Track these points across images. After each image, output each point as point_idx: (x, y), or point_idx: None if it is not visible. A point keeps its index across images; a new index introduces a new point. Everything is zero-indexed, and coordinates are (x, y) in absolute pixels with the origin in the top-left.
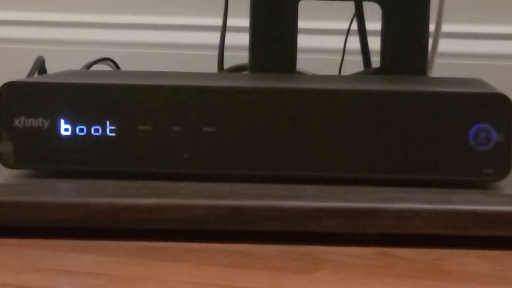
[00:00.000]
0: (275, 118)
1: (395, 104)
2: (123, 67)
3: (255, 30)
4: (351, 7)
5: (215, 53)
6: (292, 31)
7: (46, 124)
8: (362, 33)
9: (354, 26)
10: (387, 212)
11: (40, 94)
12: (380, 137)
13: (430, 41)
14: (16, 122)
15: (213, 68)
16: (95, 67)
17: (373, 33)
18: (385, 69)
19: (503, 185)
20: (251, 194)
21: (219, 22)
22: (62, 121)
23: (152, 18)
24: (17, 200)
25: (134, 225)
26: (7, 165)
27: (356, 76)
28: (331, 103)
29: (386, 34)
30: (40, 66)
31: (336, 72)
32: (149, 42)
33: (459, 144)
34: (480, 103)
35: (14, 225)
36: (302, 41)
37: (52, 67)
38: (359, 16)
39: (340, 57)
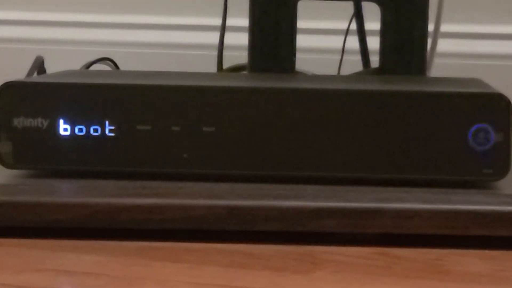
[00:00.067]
0: (274, 118)
1: (394, 104)
2: (123, 67)
3: (254, 30)
4: (350, 7)
5: (215, 53)
6: (291, 31)
7: (45, 124)
8: (361, 33)
9: (353, 26)
10: (387, 212)
11: (39, 94)
12: (379, 137)
13: (429, 41)
14: (15, 122)
15: (213, 68)
16: (94, 67)
17: (372, 33)
18: (384, 69)
19: (502, 185)
20: (251, 194)
21: (218, 22)
22: (61, 121)
23: (152, 18)
24: (17, 200)
25: (134, 225)
26: (6, 165)
27: (355, 76)
28: (330, 103)
29: (385, 34)
30: (39, 66)
31: (335, 72)
32: (148, 42)
33: (459, 144)
34: (479, 103)
35: (13, 225)
36: (302, 41)
37: (52, 67)
38: (358, 16)
39: (339, 57)
